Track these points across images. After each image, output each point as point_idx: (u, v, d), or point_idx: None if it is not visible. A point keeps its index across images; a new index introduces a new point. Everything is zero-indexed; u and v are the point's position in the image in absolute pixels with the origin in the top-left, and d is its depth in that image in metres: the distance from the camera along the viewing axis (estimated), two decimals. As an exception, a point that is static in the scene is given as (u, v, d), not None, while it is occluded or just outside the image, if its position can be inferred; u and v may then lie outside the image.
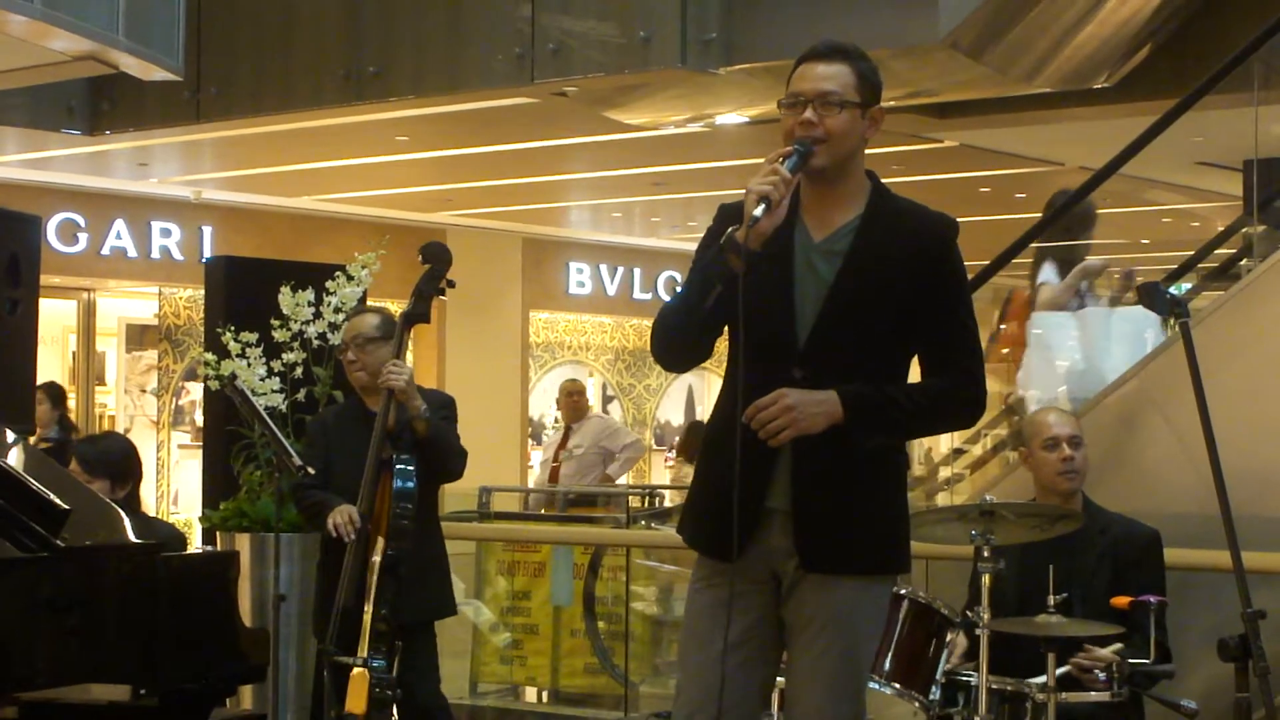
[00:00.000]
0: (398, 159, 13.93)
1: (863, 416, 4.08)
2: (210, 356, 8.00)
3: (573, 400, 13.47)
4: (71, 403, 16.50)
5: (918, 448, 10.60)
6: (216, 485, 8.47)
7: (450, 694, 7.17)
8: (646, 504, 11.24)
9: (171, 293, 16.44)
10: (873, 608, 4.25)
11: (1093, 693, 5.49)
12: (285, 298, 7.83)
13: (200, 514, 8.64)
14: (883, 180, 4.28)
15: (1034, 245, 8.47)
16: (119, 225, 16.02)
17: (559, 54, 9.99)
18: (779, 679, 4.46)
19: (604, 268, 20.44)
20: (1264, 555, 5.82)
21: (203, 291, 9.51)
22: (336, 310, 7.79)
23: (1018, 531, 5.58)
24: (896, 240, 4.15)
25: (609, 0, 9.91)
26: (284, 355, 7.85)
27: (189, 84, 11.02)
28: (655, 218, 18.78)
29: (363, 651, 5.86)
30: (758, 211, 3.93)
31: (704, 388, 20.58)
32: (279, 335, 7.83)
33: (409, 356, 6.52)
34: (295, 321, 7.83)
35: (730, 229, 3.97)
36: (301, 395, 7.88)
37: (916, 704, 5.39)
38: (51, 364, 16.13)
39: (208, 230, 16.59)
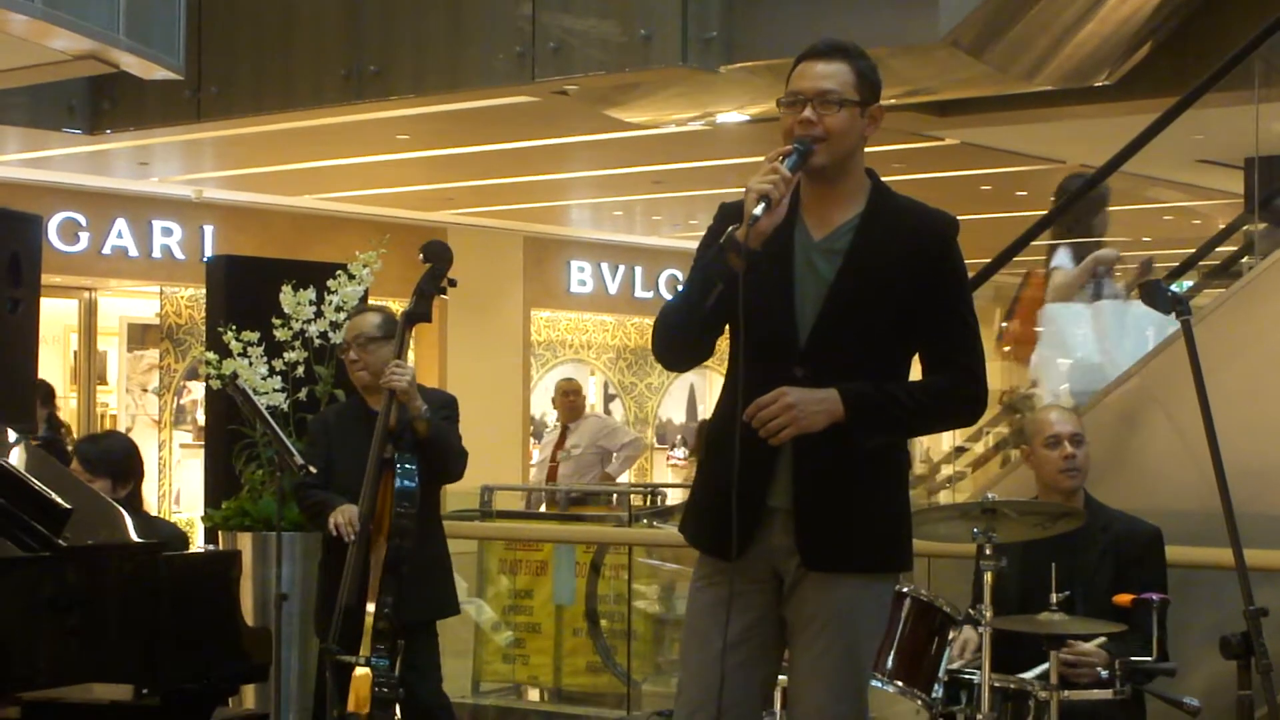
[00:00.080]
0: (399, 158, 13.94)
1: (863, 415, 4.08)
2: (212, 355, 8.00)
3: (569, 400, 13.42)
4: (73, 403, 16.54)
5: (917, 446, 10.60)
6: (218, 484, 8.47)
7: (453, 693, 7.17)
8: (648, 502, 11.25)
9: (173, 292, 16.44)
10: (874, 606, 4.25)
11: (1095, 690, 5.49)
12: (286, 297, 7.83)
13: (202, 513, 8.64)
14: (883, 178, 4.28)
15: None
16: (120, 224, 16.02)
17: (560, 52, 9.99)
18: (781, 677, 4.46)
19: (605, 266, 20.44)
20: (1266, 553, 5.82)
21: (204, 290, 9.51)
22: (338, 309, 7.79)
23: (1020, 529, 5.58)
24: (897, 239, 4.15)
25: (609, -2, 9.93)
26: (285, 354, 7.85)
27: (190, 83, 11.02)
28: (656, 216, 18.78)
29: (365, 651, 5.87)
30: (757, 210, 3.93)
31: (706, 386, 20.58)
32: (280, 334, 7.83)
33: (410, 355, 6.52)
34: (297, 320, 7.83)
35: (730, 228, 3.97)
36: (303, 394, 7.88)
37: (919, 702, 5.39)
38: (53, 363, 16.13)
39: (209, 229, 16.59)
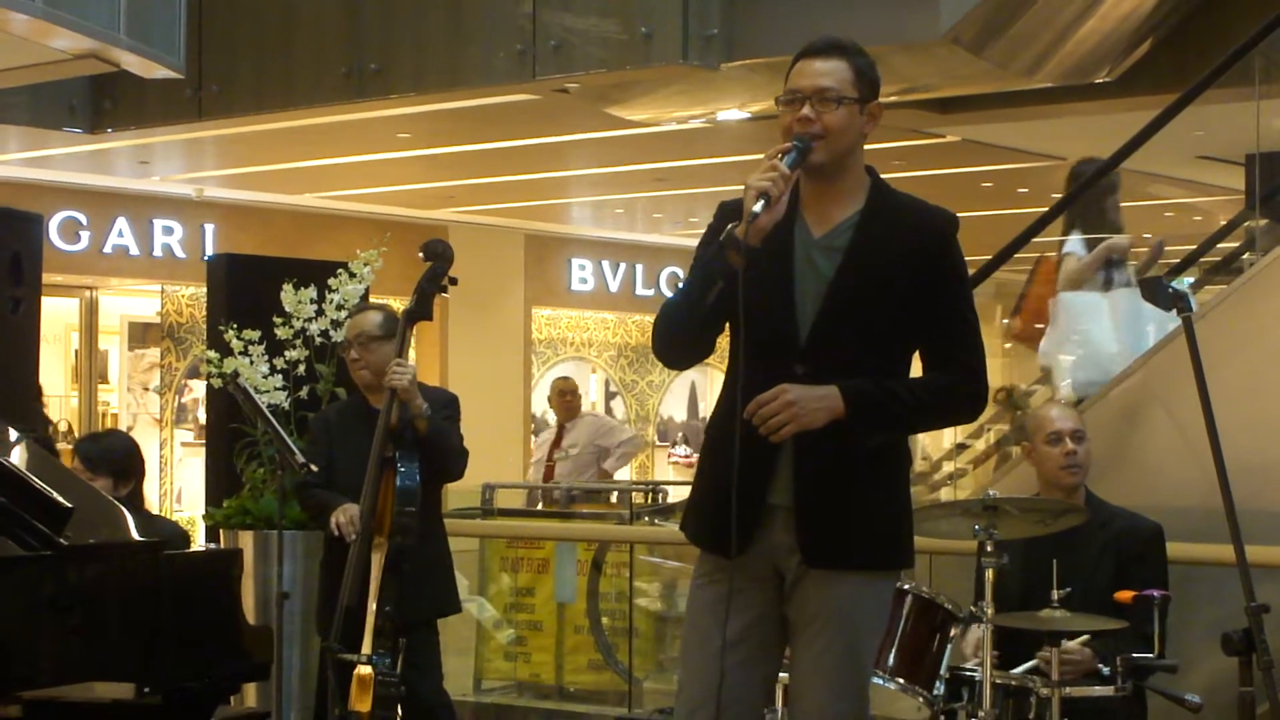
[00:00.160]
0: (399, 156, 13.94)
1: (864, 412, 4.08)
2: (213, 354, 8.00)
3: (565, 400, 13.35)
4: (74, 402, 16.55)
5: (916, 443, 10.60)
6: (219, 483, 8.47)
7: (455, 691, 7.17)
8: (650, 500, 11.24)
9: (174, 290, 16.44)
10: (875, 603, 4.25)
11: (1096, 687, 5.49)
12: (287, 295, 7.84)
13: (203, 512, 8.64)
14: (884, 176, 4.28)
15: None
16: (121, 223, 16.02)
17: (560, 50, 9.99)
18: (783, 675, 4.46)
19: (606, 264, 20.44)
20: (1267, 549, 5.83)
21: (205, 289, 9.51)
22: (339, 307, 7.79)
23: (1021, 526, 5.58)
24: (896, 236, 4.15)
25: (610, -4, 9.93)
26: (286, 353, 7.85)
27: (190, 82, 11.02)
28: (657, 214, 18.78)
29: (366, 649, 5.87)
30: (757, 207, 3.93)
31: (707, 384, 20.59)
32: (281, 333, 7.83)
33: (411, 354, 6.53)
34: (298, 319, 7.83)
35: (730, 225, 3.97)
36: (304, 393, 7.88)
37: (920, 699, 5.39)
38: (54, 363, 16.14)
39: (210, 228, 16.59)
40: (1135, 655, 5.45)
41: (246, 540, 7.87)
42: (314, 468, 6.44)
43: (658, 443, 20.88)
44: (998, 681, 5.39)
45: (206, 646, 5.38)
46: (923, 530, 4.99)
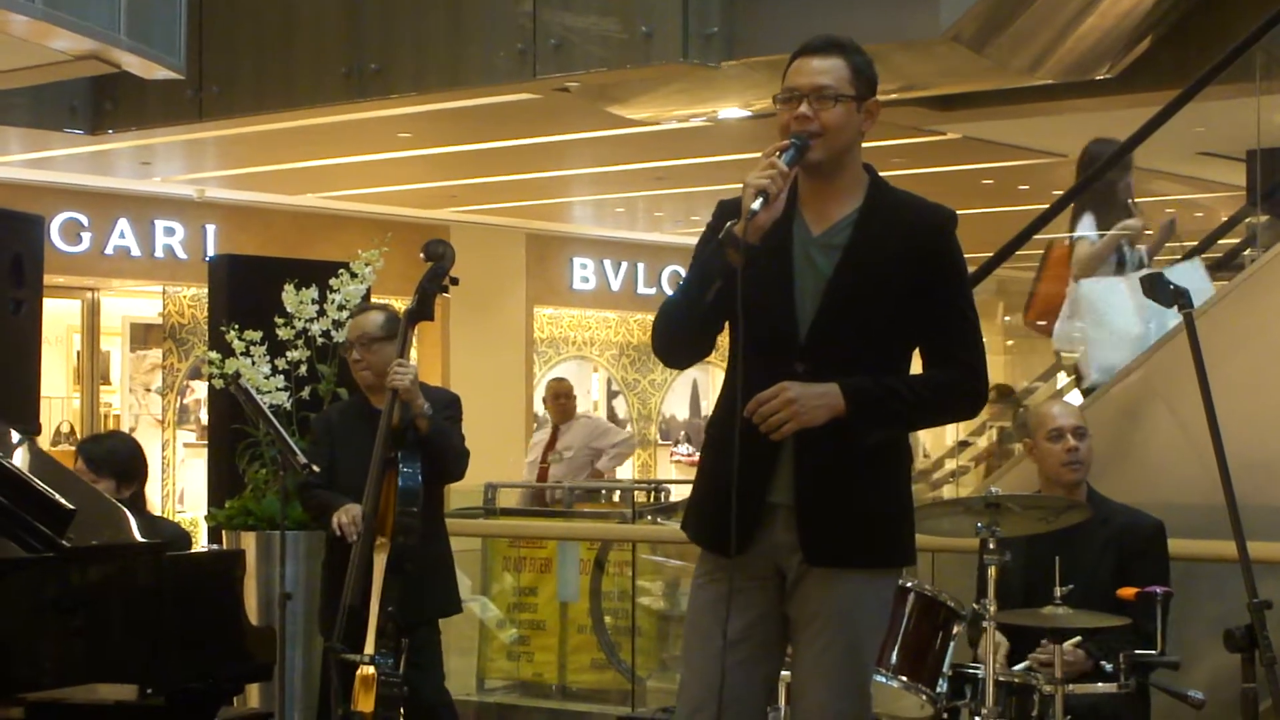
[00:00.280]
0: (400, 156, 13.94)
1: (864, 409, 4.08)
2: (214, 355, 8.00)
3: (560, 403, 13.28)
4: (76, 403, 16.55)
5: (915, 440, 10.59)
6: (222, 484, 8.47)
7: (457, 690, 7.18)
8: (652, 499, 11.24)
9: (175, 291, 16.45)
10: (876, 602, 4.25)
11: (1099, 684, 5.49)
12: (289, 295, 7.84)
13: (206, 512, 8.64)
14: (885, 173, 4.28)
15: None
16: (122, 224, 16.02)
17: (561, 49, 9.99)
18: (785, 673, 4.46)
19: (608, 263, 20.44)
20: (1269, 545, 5.82)
21: (206, 290, 9.51)
22: (340, 308, 7.79)
23: (1023, 524, 5.58)
24: (895, 233, 4.15)
25: (610, -5, 9.93)
26: (288, 353, 7.85)
27: (191, 82, 11.02)
28: (658, 212, 18.78)
29: (369, 649, 5.87)
30: (756, 205, 3.93)
31: (708, 382, 20.59)
32: (283, 333, 7.83)
33: (413, 354, 6.53)
34: (299, 319, 7.83)
35: (729, 223, 3.97)
36: (306, 393, 7.88)
37: (924, 697, 5.39)
38: (56, 364, 16.15)
39: (211, 229, 16.59)
40: (1138, 652, 5.45)
41: (249, 541, 7.87)
42: (316, 468, 6.44)
43: (660, 441, 20.88)
44: (1000, 679, 5.39)
45: (209, 647, 5.39)
46: (925, 528, 4.99)
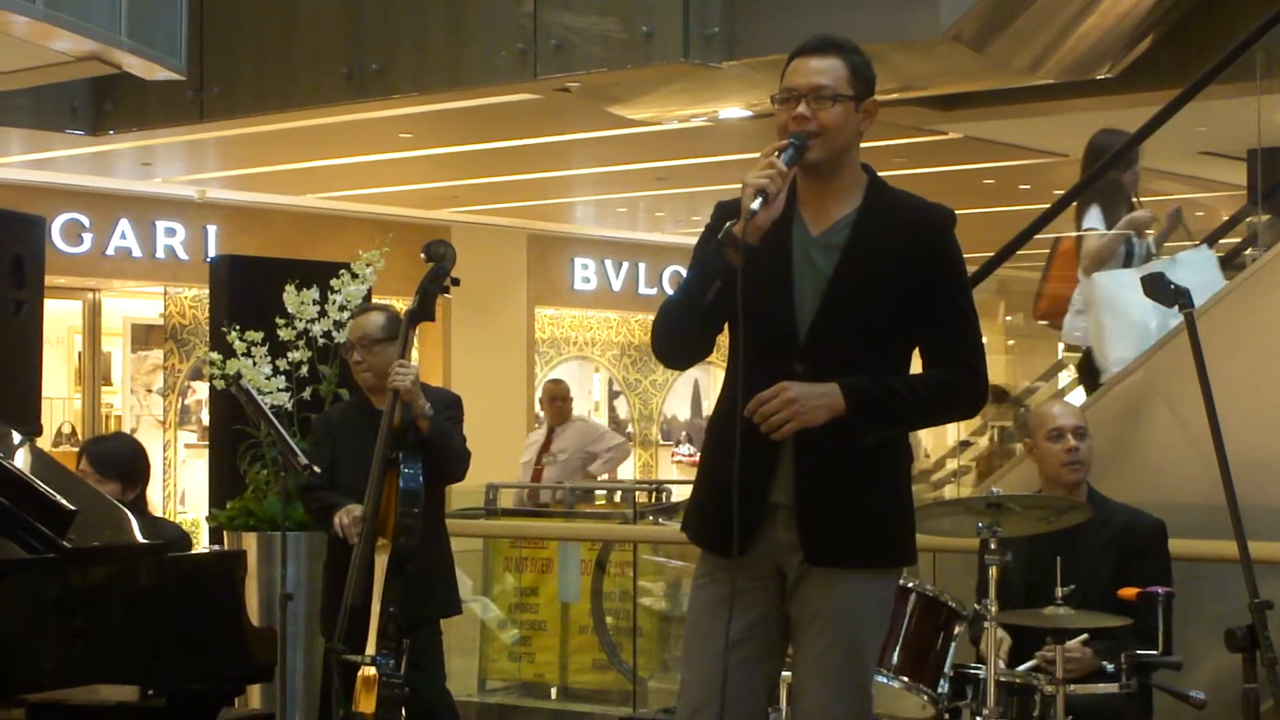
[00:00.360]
0: (401, 156, 13.94)
1: (864, 409, 4.08)
2: (215, 356, 8.01)
3: (556, 405, 13.24)
4: (78, 404, 16.55)
5: (915, 440, 10.57)
6: (223, 484, 8.47)
7: (459, 691, 7.18)
8: (653, 499, 11.24)
9: (176, 292, 16.45)
10: (876, 602, 4.25)
11: (1100, 684, 5.48)
12: (290, 296, 7.84)
13: (207, 513, 8.65)
14: (886, 173, 4.28)
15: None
16: (123, 225, 16.02)
17: (561, 50, 9.99)
18: (785, 674, 4.46)
19: (609, 263, 20.44)
20: (1270, 545, 5.82)
21: (208, 291, 9.52)
22: (341, 308, 7.79)
23: (1024, 524, 5.57)
24: (894, 233, 4.15)
25: (610, -5, 9.93)
26: (289, 354, 7.85)
27: (192, 83, 11.02)
28: (660, 212, 18.78)
29: (371, 650, 5.87)
30: (755, 205, 3.93)
31: (710, 382, 20.58)
32: (284, 334, 7.83)
33: (414, 354, 6.53)
34: (300, 320, 7.83)
35: (728, 223, 3.97)
36: (307, 394, 7.88)
37: (925, 697, 5.39)
38: (57, 365, 16.15)
39: (212, 229, 16.60)
40: (1139, 652, 5.45)
41: (250, 542, 7.87)
42: (317, 469, 6.44)
43: (661, 442, 20.87)
44: (1002, 679, 5.38)
45: (210, 648, 5.39)
46: (926, 528, 5.00)
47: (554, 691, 9.64)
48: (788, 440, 4.08)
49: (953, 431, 10.68)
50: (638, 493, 11.98)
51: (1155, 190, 13.45)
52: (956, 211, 4.26)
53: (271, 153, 13.79)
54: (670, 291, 19.81)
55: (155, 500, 15.26)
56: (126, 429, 15.62)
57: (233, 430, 8.15)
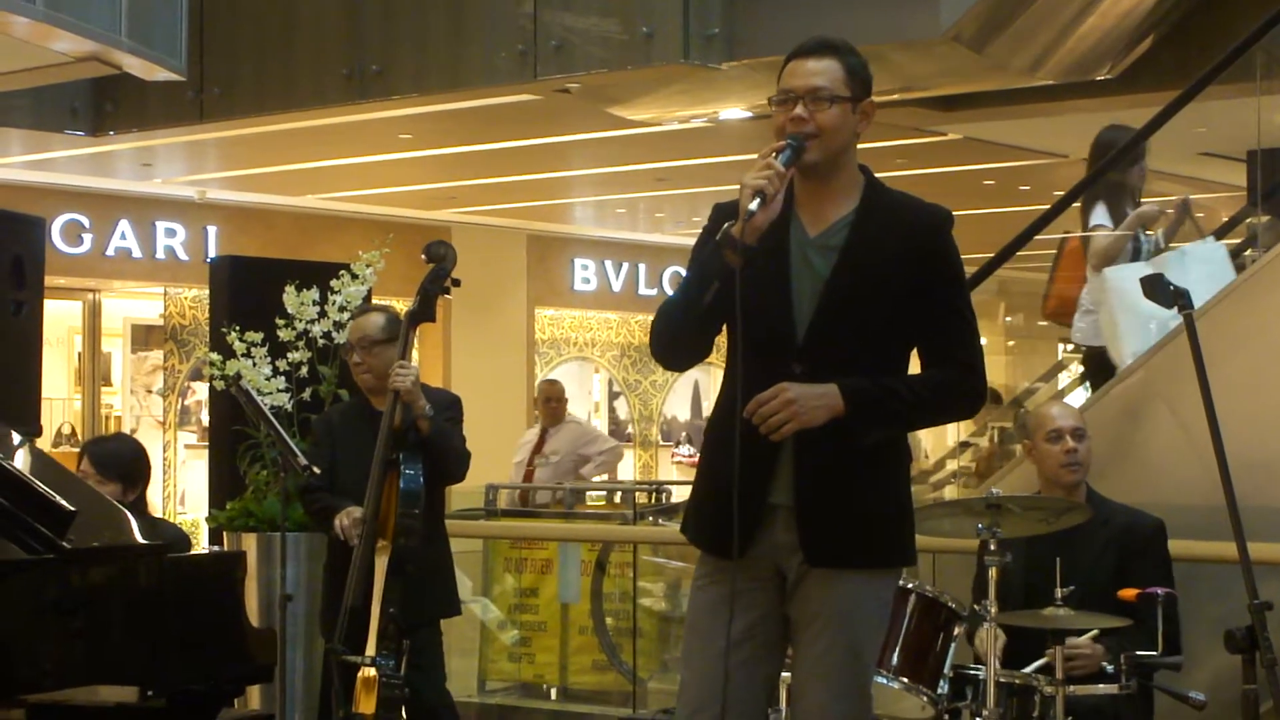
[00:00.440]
0: (401, 157, 13.94)
1: (863, 409, 4.08)
2: (215, 356, 8.01)
3: (551, 406, 13.21)
4: (78, 404, 16.55)
5: (916, 442, 10.57)
6: (223, 485, 8.48)
7: (459, 692, 7.17)
8: (653, 500, 11.24)
9: (176, 293, 16.45)
10: (876, 603, 4.25)
11: (1100, 685, 5.48)
12: (290, 297, 7.84)
13: (207, 514, 8.65)
14: (886, 174, 4.28)
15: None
16: (123, 226, 16.02)
17: (561, 50, 9.99)
18: (785, 674, 4.46)
19: (609, 264, 20.44)
20: (1270, 546, 5.82)
21: (208, 291, 9.52)
22: (341, 309, 7.79)
23: (1024, 525, 5.58)
24: (891, 234, 4.16)
25: (610, -4, 9.93)
26: (289, 354, 7.85)
27: (192, 84, 11.02)
28: (660, 213, 18.78)
29: (371, 651, 5.87)
30: (753, 205, 3.94)
31: (710, 383, 20.57)
32: (284, 334, 7.83)
33: (414, 355, 6.52)
34: (300, 320, 7.83)
35: (726, 224, 3.98)
36: (307, 394, 7.88)
37: (924, 698, 5.39)
38: (57, 365, 16.15)
39: (212, 230, 16.60)
40: (1139, 653, 5.45)
41: (250, 542, 7.87)
42: (316, 470, 6.44)
43: (661, 442, 20.87)
44: (1002, 680, 5.39)
45: (210, 649, 5.39)
46: (926, 529, 5.00)
47: (554, 692, 9.64)
48: (787, 441, 4.09)
49: (952, 432, 10.69)
50: (638, 493, 11.97)
51: (1155, 191, 13.42)
52: (956, 212, 4.27)
53: (271, 153, 13.79)
54: (670, 292, 19.84)
55: (155, 501, 15.26)
56: (126, 430, 15.62)
57: (232, 431, 8.15)
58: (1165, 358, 6.81)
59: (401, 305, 6.83)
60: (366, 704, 5.82)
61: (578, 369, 20.18)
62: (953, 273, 4.23)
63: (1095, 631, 5.55)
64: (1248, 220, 8.83)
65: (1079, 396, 8.69)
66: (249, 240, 16.26)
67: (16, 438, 5.67)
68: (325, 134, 12.41)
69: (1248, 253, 7.98)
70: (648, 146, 13.19)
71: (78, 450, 7.50)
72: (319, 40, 11.07)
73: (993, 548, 5.38)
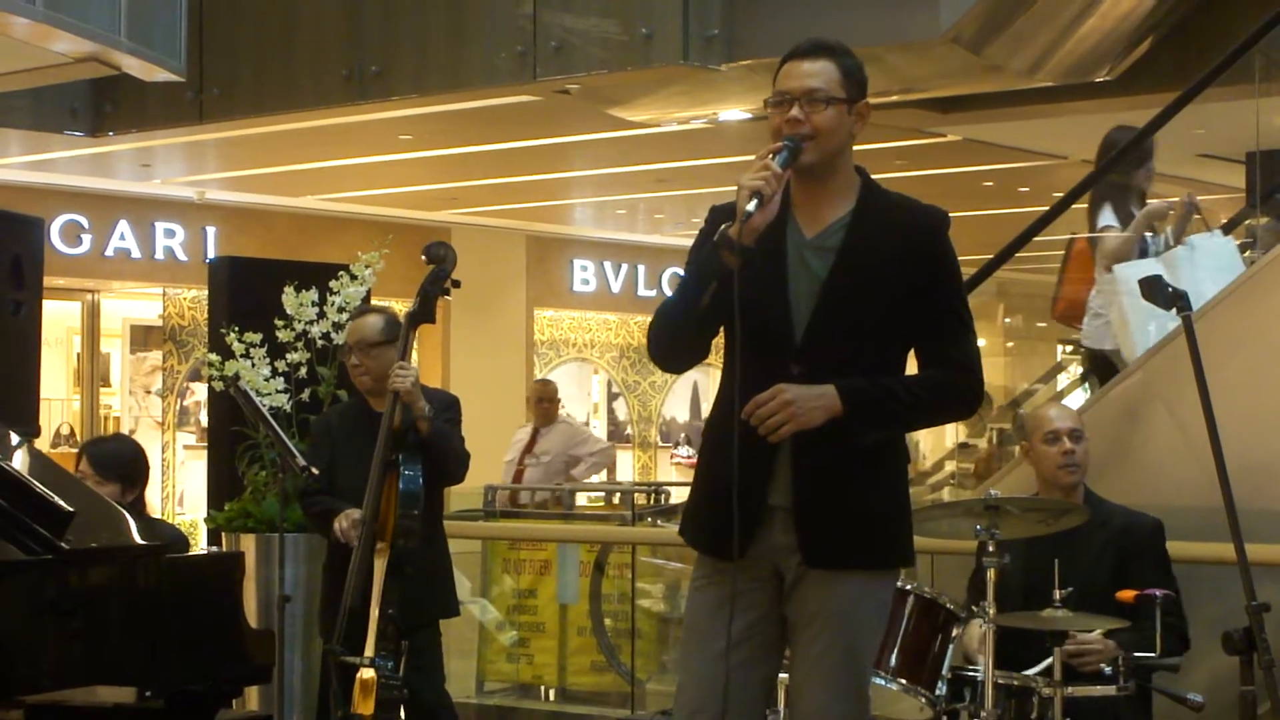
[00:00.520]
0: (401, 158, 13.94)
1: (861, 410, 4.09)
2: (214, 357, 8.00)
3: (543, 406, 13.19)
4: (76, 405, 16.55)
5: (915, 444, 10.57)
6: (221, 486, 8.47)
7: (457, 693, 7.17)
8: (652, 501, 11.24)
9: (175, 293, 16.45)
10: (874, 604, 4.25)
11: (1099, 686, 5.48)
12: (289, 298, 7.83)
13: (205, 514, 8.65)
14: (885, 175, 4.29)
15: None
16: (123, 226, 16.03)
17: (561, 51, 10.00)
18: (783, 675, 4.46)
19: (608, 265, 20.45)
20: (1268, 547, 5.83)
21: (206, 292, 9.52)
22: (340, 310, 7.79)
23: (1022, 526, 5.58)
24: (888, 235, 4.16)
25: (610, -3, 9.94)
26: (288, 355, 7.85)
27: (191, 85, 11.03)
28: (659, 214, 18.79)
29: (369, 652, 5.86)
30: (750, 206, 3.95)
31: (709, 384, 20.55)
32: (283, 335, 7.83)
33: (414, 356, 6.52)
34: (299, 321, 7.83)
35: (724, 225, 3.98)
36: (306, 395, 7.88)
37: (923, 700, 5.39)
38: (56, 366, 16.15)
39: (211, 231, 16.60)
40: (1137, 654, 5.45)
41: (248, 543, 7.87)
42: (315, 471, 6.44)
43: (660, 444, 20.87)
44: (1000, 681, 5.39)
45: (208, 650, 5.39)
46: (924, 530, 5.00)
47: (552, 693, 9.64)
48: (785, 442, 4.09)
49: (951, 434, 10.70)
50: (636, 494, 11.97)
51: (1155, 193, 13.46)
52: (955, 214, 4.28)
53: (271, 154, 13.79)
54: (669, 294, 19.85)
55: (154, 501, 15.26)
56: (125, 430, 15.63)
57: (231, 432, 8.15)
58: (1164, 359, 6.82)
59: (401, 306, 6.83)
60: (365, 705, 5.81)
61: (577, 370, 20.18)
62: (950, 273, 4.23)
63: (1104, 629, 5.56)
64: (1246, 222, 8.84)
65: (1078, 398, 8.69)
66: (248, 241, 16.26)
67: (15, 438, 5.67)
68: (325, 134, 12.42)
69: (1246, 254, 7.99)
70: (647, 147, 13.19)
71: (76, 451, 7.49)
72: (319, 41, 11.08)
73: (991, 549, 5.38)
